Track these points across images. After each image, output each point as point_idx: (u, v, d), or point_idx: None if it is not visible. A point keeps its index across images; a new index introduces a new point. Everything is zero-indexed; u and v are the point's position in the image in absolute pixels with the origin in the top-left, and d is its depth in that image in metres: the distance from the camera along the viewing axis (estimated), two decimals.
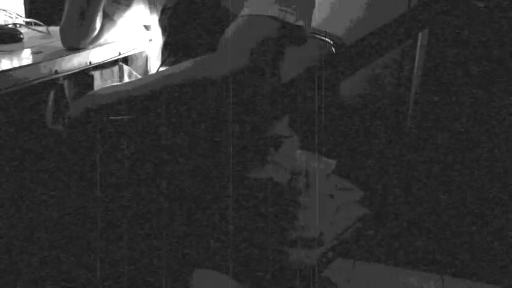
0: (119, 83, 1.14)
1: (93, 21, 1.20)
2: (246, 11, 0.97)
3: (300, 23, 0.97)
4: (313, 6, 1.04)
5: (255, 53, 0.93)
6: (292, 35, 0.99)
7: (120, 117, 0.96)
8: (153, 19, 1.21)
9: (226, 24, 0.99)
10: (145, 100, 0.94)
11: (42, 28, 1.45)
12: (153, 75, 1.03)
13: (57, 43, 1.25)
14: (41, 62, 1.07)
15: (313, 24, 1.48)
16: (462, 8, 1.64)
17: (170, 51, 1.13)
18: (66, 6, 1.20)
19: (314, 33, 1.44)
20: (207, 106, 0.98)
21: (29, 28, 1.45)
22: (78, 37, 1.20)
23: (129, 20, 1.27)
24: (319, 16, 1.69)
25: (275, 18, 0.95)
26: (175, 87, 0.93)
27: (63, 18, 1.21)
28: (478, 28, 1.70)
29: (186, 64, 0.96)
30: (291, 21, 0.96)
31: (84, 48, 1.22)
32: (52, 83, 1.11)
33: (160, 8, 1.15)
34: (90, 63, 1.21)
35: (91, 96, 0.98)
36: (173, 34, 1.12)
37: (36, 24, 1.46)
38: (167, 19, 1.13)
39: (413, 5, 1.74)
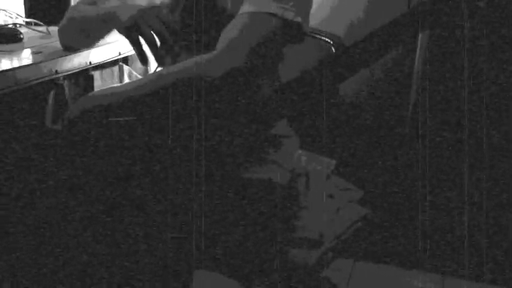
0: (118, 84, 1.14)
1: (97, 41, 1.20)
2: (245, 9, 0.97)
3: (299, 19, 0.97)
4: (311, 4, 1.04)
5: (255, 51, 0.93)
6: (291, 32, 0.99)
7: (119, 119, 0.96)
8: None
9: (224, 23, 0.99)
10: (143, 100, 0.94)
11: (42, 28, 1.45)
12: (151, 75, 1.03)
13: (57, 43, 1.25)
14: (41, 62, 1.07)
15: (313, 24, 1.48)
16: (463, 8, 1.64)
17: (168, 51, 1.13)
18: (72, 13, 1.18)
19: (313, 33, 1.44)
20: (206, 105, 0.97)
21: (29, 28, 1.45)
22: (78, 44, 1.20)
23: None
24: (319, 16, 1.70)
25: (274, 15, 0.95)
26: (173, 86, 0.93)
27: (64, 21, 1.20)
28: (480, 28, 1.69)
29: (185, 63, 0.96)
30: (290, 18, 0.96)
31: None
32: (52, 83, 1.11)
33: None
34: (90, 63, 1.21)
35: (90, 97, 0.98)
36: (171, 33, 1.12)
37: (36, 24, 1.46)
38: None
39: (412, 6, 1.74)
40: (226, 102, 0.98)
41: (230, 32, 0.95)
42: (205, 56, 0.94)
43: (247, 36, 0.94)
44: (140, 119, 0.97)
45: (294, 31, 0.99)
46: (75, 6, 1.21)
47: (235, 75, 0.92)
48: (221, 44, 0.95)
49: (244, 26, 0.95)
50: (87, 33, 1.15)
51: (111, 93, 0.96)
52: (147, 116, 0.96)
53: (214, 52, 0.94)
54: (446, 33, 1.73)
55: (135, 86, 0.97)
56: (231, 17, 0.99)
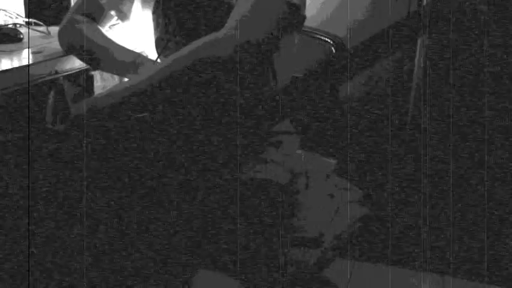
0: (127, 79, 1.10)
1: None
2: None
3: (296, 1, 0.97)
4: None
5: (266, 28, 0.93)
6: (293, 14, 0.99)
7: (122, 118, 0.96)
8: (146, 15, 1.20)
9: (221, 15, 0.98)
10: (155, 90, 0.92)
11: (42, 28, 1.45)
12: (161, 63, 0.99)
13: (57, 43, 1.25)
14: (41, 62, 1.07)
15: (315, 25, 1.48)
16: (466, 12, 1.65)
17: (164, 47, 1.12)
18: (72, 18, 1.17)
19: (314, 32, 1.45)
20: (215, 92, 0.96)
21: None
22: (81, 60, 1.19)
23: (130, 19, 1.27)
24: (320, 18, 1.70)
25: None
26: (186, 70, 0.92)
27: (64, 22, 1.19)
28: (482, 31, 1.69)
29: (194, 44, 0.94)
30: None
31: None
32: (52, 83, 1.11)
33: (153, 2, 1.15)
34: None
35: (93, 98, 0.96)
36: (167, 28, 1.11)
37: (36, 24, 1.46)
38: (162, 13, 1.12)
39: (412, 11, 1.74)
40: (236, 82, 0.97)
41: (240, 10, 0.95)
42: (216, 34, 0.93)
43: (258, 14, 0.93)
44: (153, 110, 0.96)
45: (295, 13, 0.99)
46: (74, 26, 1.17)
47: (246, 52, 0.91)
48: (231, 22, 0.94)
49: (253, 4, 0.94)
50: (98, 62, 1.14)
51: (122, 89, 0.94)
52: (161, 105, 0.95)
53: (224, 30, 0.93)
54: (446, 37, 1.73)
55: (146, 76, 0.95)
56: (229, 8, 0.99)
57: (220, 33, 0.93)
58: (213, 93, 0.96)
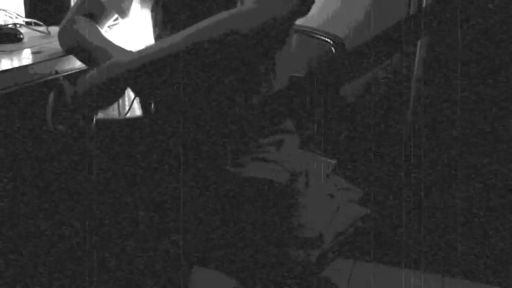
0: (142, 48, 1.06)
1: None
2: None
3: None
4: None
5: (292, 8, 0.88)
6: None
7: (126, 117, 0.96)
8: (145, 14, 1.20)
9: (221, 11, 0.97)
10: (173, 61, 0.88)
11: (42, 28, 1.45)
12: (181, 33, 0.92)
13: (57, 43, 1.25)
14: (41, 62, 1.08)
15: (315, 25, 1.48)
16: (471, 9, 1.65)
17: None
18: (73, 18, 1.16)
19: (313, 32, 1.45)
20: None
21: (29, 28, 1.45)
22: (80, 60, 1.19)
23: (130, 19, 1.27)
24: (320, 18, 1.70)
25: None
26: (208, 43, 0.87)
27: (64, 22, 1.19)
28: (487, 27, 1.69)
29: (215, 18, 0.89)
30: None
31: None
32: (52, 83, 1.11)
33: (151, 1, 1.15)
34: None
35: (115, 63, 0.91)
36: (166, 25, 1.11)
37: (36, 24, 1.47)
38: (161, 11, 1.12)
39: (412, 11, 1.74)
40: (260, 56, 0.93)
41: None
42: (241, 8, 0.89)
43: None
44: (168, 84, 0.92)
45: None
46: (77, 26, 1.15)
47: (273, 27, 0.87)
48: None
49: None
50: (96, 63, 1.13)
51: (139, 57, 0.91)
52: (175, 78, 0.91)
53: (248, 4, 0.89)
54: (448, 34, 1.73)
55: (164, 46, 0.91)
56: (230, 5, 0.98)
57: (244, 7, 0.88)
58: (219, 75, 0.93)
